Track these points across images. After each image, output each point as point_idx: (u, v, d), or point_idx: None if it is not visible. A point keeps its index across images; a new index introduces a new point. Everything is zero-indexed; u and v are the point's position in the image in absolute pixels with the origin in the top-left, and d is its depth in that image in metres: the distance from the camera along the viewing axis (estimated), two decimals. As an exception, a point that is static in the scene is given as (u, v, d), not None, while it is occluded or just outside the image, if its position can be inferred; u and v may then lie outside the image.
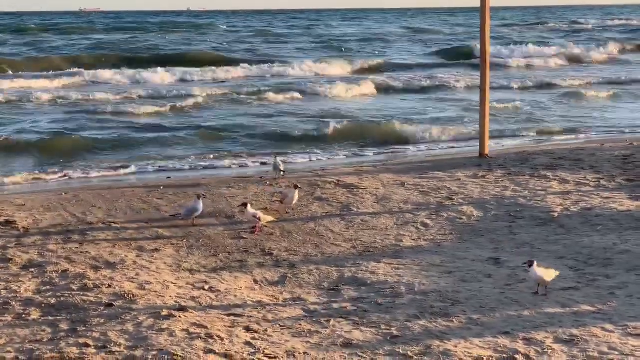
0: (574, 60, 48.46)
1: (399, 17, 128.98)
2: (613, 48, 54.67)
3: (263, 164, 17.96)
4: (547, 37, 66.35)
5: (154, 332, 7.51)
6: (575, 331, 7.78)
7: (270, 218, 11.61)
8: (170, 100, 29.04)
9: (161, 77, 37.23)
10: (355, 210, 12.63)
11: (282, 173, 14.75)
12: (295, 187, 12.54)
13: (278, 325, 7.88)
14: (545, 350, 7.35)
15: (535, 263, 8.91)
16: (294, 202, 12.50)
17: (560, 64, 46.85)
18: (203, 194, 12.51)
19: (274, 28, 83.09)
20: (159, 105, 27.60)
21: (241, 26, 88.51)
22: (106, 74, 37.34)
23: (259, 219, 11.37)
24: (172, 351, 7.05)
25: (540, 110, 27.04)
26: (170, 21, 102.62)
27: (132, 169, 17.60)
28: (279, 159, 15.08)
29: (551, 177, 14.73)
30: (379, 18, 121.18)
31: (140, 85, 34.84)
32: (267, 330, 7.72)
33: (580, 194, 13.52)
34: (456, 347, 7.40)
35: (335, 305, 8.51)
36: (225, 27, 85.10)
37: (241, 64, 42.28)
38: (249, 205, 11.48)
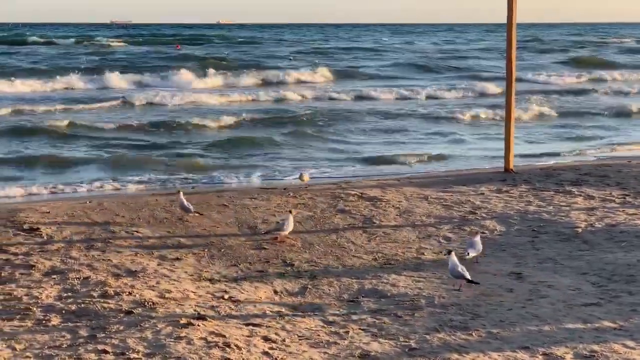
0: None
1: (436, 32, 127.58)
2: None
3: None
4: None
5: (172, 340, 7.52)
6: (595, 347, 7.70)
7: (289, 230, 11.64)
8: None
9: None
10: (378, 222, 12.61)
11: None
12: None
13: (296, 336, 7.87)
14: (565, 365, 7.29)
15: (453, 252, 9.58)
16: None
17: None
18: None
19: (338, 42, 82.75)
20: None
21: (295, 40, 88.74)
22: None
23: (277, 235, 11.50)
24: (190, 359, 7.07)
25: None
26: (218, 34, 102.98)
27: None
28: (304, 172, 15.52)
29: (576, 192, 14.63)
30: (420, 32, 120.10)
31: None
32: (285, 340, 7.71)
33: (605, 210, 13.41)
34: (474, 360, 7.36)
35: (354, 317, 8.49)
36: (270, 42, 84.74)
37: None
38: (291, 216, 11.67)
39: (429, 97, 36.72)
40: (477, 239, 10.77)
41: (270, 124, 27.23)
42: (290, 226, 11.52)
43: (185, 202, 12.50)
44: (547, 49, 72.02)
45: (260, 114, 29.09)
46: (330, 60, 56.54)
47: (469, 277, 9.36)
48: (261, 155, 21.47)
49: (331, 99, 35.72)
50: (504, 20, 16.87)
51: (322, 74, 45.34)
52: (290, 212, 11.90)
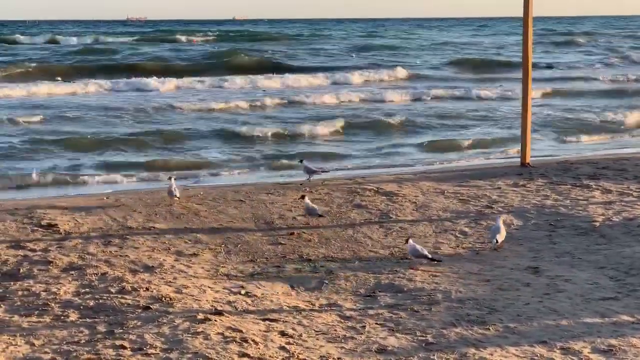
0: None
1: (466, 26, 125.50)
2: None
3: None
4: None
5: (190, 335, 7.54)
6: (613, 341, 7.67)
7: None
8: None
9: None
10: (394, 217, 12.60)
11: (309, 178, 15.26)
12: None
13: (313, 331, 7.88)
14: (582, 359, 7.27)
15: (410, 239, 10.26)
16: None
17: None
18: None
19: (375, 38, 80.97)
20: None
21: (335, 35, 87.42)
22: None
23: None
24: (207, 354, 7.08)
25: None
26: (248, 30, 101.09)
27: None
28: (305, 162, 15.41)
29: (594, 186, 14.56)
30: (442, 28, 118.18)
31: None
32: (301, 335, 7.72)
33: (622, 203, 13.35)
34: (492, 355, 7.34)
35: (371, 312, 8.49)
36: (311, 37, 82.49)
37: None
38: (306, 197, 12.27)
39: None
40: (499, 223, 10.95)
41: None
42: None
43: (173, 188, 13.04)
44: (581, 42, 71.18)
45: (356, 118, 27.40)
46: (391, 57, 55.03)
47: (429, 255, 10.08)
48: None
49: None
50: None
51: (398, 74, 42.90)
52: (302, 197, 12.45)
